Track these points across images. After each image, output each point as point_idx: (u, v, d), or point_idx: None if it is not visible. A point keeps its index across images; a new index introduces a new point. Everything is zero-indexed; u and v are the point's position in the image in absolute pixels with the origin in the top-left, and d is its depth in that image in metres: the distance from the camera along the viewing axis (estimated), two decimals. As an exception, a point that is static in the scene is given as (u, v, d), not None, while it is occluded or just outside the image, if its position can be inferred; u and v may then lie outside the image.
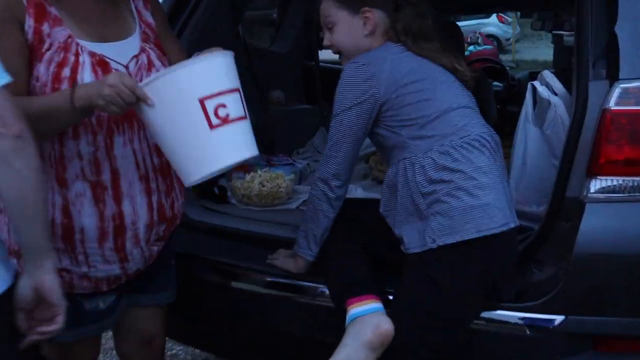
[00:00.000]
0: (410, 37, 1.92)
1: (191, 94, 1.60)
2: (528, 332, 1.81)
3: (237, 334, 2.27)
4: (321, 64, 4.36)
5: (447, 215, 1.74)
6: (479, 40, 15.74)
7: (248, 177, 2.62)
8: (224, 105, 1.62)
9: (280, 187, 2.62)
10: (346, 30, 1.93)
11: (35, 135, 1.55)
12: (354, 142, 1.88)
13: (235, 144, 1.68)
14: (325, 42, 1.99)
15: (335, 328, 1.87)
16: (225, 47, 2.29)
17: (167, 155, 1.72)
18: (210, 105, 1.60)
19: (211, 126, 1.61)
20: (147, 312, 2.06)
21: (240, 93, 1.71)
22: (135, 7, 1.91)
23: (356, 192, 2.75)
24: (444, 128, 1.81)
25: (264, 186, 2.56)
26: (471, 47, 13.73)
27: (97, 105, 1.58)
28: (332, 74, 4.44)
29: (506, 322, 1.83)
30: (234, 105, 1.66)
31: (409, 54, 1.90)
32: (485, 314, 1.84)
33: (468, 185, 1.75)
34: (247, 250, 2.27)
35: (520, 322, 1.81)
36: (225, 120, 1.62)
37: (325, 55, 4.33)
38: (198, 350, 3.32)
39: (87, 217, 1.74)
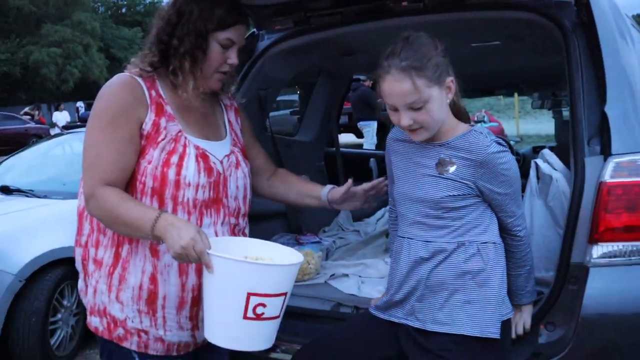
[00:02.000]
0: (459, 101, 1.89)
1: (244, 286, 1.64)
2: (545, 389, 1.82)
3: None
4: (341, 149, 4.45)
5: None
6: (485, 119, 15.95)
7: (280, 256, 2.64)
8: (264, 305, 1.65)
9: (309, 264, 2.65)
10: (438, 105, 1.73)
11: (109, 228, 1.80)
12: None
13: (255, 337, 1.70)
14: (406, 122, 1.73)
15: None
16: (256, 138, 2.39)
17: (204, 305, 1.76)
18: (253, 300, 1.64)
19: (244, 317, 1.64)
20: None
21: (286, 296, 1.72)
22: (228, 118, 2.09)
23: (379, 266, 2.78)
24: None
25: (295, 263, 2.57)
26: (478, 124, 13.89)
27: (168, 248, 1.67)
28: (351, 158, 4.55)
29: (525, 381, 1.85)
30: (274, 306, 1.68)
31: None
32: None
33: None
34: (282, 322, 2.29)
35: (537, 379, 1.83)
36: (258, 317, 1.66)
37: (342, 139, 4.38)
38: None
39: (171, 286, 1.84)
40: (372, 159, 4.44)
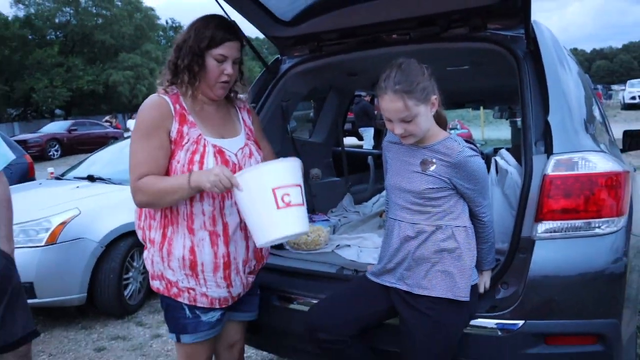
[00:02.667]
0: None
1: (268, 184, 1.67)
2: (500, 333, 1.82)
3: (292, 340, 2.26)
4: (345, 148, 4.41)
5: None
6: (458, 126, 15.81)
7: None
8: (288, 194, 1.68)
9: (320, 237, 2.63)
10: (424, 118, 1.72)
11: (159, 205, 1.77)
12: None
13: (292, 221, 1.69)
14: (399, 131, 1.73)
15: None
16: (279, 141, 2.34)
17: (247, 223, 1.76)
18: (279, 193, 1.66)
19: (277, 207, 1.66)
20: (235, 325, 2.11)
21: (301, 187, 1.74)
22: (242, 117, 2.04)
23: (374, 239, 2.77)
24: None
25: (308, 236, 2.56)
26: (452, 131, 13.84)
27: (205, 186, 1.68)
28: (353, 155, 4.52)
29: (485, 327, 1.85)
30: (295, 195, 1.70)
31: None
32: (471, 322, 1.85)
33: None
34: (298, 282, 2.28)
35: (494, 326, 1.83)
36: (288, 205, 1.67)
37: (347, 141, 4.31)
38: (266, 352, 3.29)
39: (206, 256, 1.84)
40: (369, 157, 4.43)
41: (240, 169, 1.87)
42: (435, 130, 1.82)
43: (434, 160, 1.77)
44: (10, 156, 2.24)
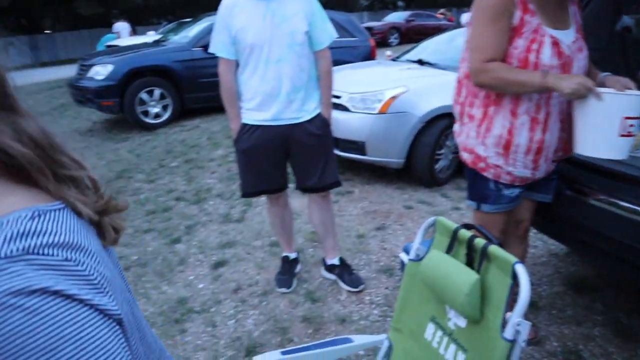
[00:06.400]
0: None
1: (621, 112, 1.99)
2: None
3: (583, 234, 2.54)
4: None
5: None
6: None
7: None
8: (632, 125, 1.99)
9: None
10: None
11: (498, 90, 2.19)
12: None
13: (619, 149, 2.04)
14: None
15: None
16: (605, 38, 2.92)
17: (575, 127, 2.11)
18: (625, 122, 1.99)
19: (619, 134, 2.00)
20: (527, 203, 2.61)
21: None
22: (574, 10, 2.30)
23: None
24: None
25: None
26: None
27: (563, 91, 2.00)
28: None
29: None
30: (636, 127, 2.00)
31: None
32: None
33: None
34: (599, 178, 2.54)
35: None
36: (628, 134, 2.00)
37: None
38: (551, 242, 3.96)
39: (522, 139, 2.21)
40: None
41: (570, 61, 2.17)
42: None
43: None
44: (334, 34, 3.00)
